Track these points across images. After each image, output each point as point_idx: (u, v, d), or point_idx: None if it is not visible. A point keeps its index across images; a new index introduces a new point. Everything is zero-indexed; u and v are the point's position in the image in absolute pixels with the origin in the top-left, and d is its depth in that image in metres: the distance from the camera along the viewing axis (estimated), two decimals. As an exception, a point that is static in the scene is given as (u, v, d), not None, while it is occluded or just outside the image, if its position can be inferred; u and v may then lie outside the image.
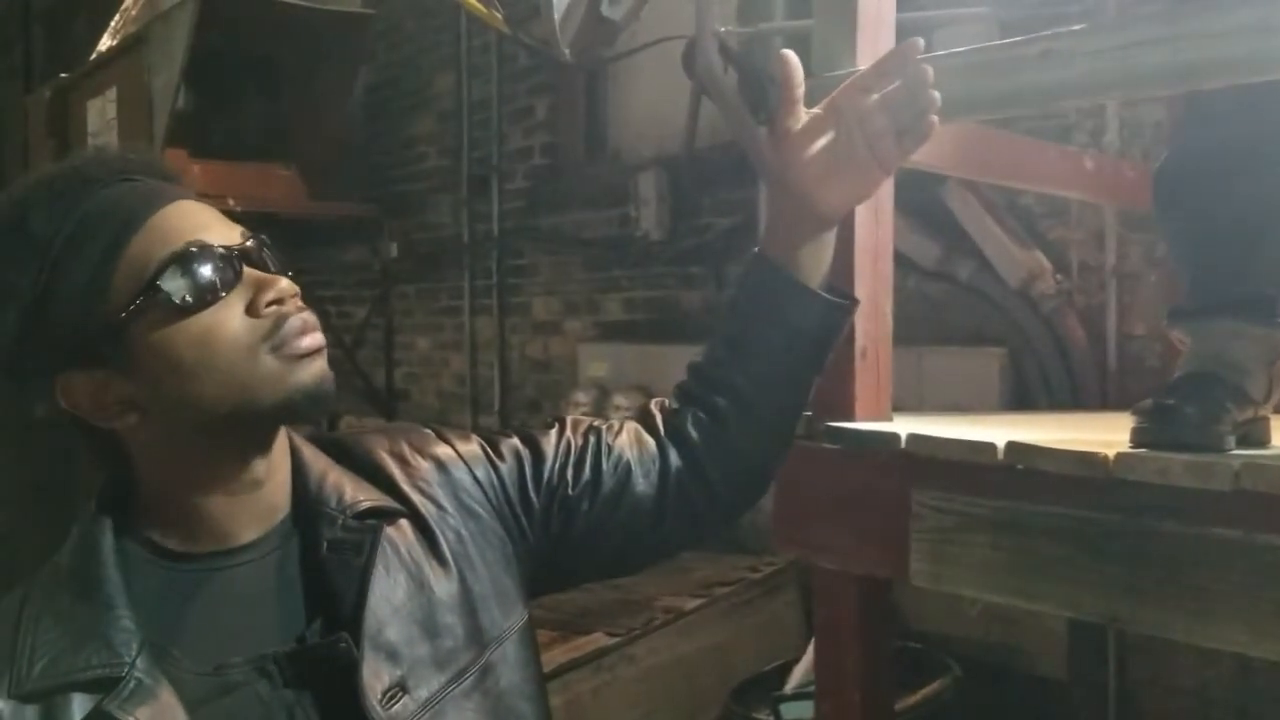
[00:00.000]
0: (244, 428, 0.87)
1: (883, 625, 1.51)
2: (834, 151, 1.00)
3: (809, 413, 1.46)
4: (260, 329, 0.85)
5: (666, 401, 1.12)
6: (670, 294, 3.54)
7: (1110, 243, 2.43)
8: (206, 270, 0.83)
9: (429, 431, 1.05)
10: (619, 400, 3.35)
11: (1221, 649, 1.14)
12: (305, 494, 0.93)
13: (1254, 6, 1.06)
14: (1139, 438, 1.16)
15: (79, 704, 0.81)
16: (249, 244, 0.87)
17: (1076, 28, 1.21)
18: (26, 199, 0.86)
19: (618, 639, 2.54)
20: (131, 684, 0.81)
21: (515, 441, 1.06)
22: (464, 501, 1.00)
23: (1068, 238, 2.51)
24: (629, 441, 1.07)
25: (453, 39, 4.39)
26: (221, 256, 0.84)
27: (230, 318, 0.84)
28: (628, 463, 1.06)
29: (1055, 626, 2.38)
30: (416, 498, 0.97)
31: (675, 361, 3.68)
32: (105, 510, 0.90)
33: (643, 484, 1.05)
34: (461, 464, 1.02)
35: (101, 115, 4.43)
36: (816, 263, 1.06)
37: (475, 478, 1.02)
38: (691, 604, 2.71)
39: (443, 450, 1.03)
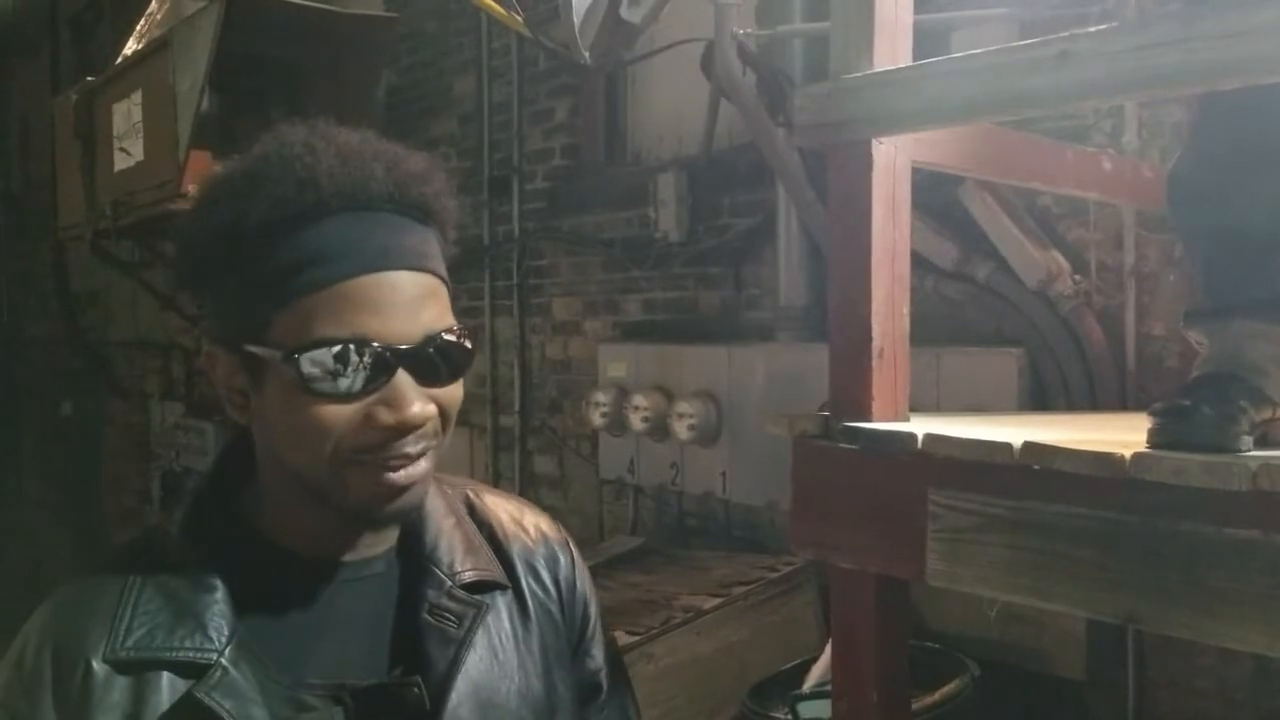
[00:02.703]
0: (321, 500, 0.86)
1: (900, 625, 1.51)
2: None
3: (826, 413, 1.47)
4: (360, 442, 0.83)
5: None
6: (689, 295, 3.55)
7: (1129, 243, 2.42)
8: (349, 371, 0.81)
9: (556, 522, 1.05)
10: (638, 400, 3.36)
11: (1239, 649, 1.14)
12: (419, 543, 0.93)
13: (1271, 7, 1.06)
14: (1155, 438, 1.17)
15: (168, 683, 0.81)
16: (416, 349, 0.83)
17: (1094, 29, 1.21)
18: (264, 180, 0.83)
19: (636, 638, 2.55)
20: (219, 672, 0.82)
21: (587, 626, 1.04)
22: (564, 596, 1.00)
23: (1086, 238, 2.51)
24: None
25: (474, 42, 4.41)
26: (374, 362, 0.81)
27: (347, 416, 0.82)
28: None
29: (1074, 627, 2.37)
30: (523, 571, 0.97)
31: (694, 362, 3.68)
32: (217, 483, 0.90)
33: None
34: (574, 567, 1.02)
35: (127, 118, 4.47)
36: None
37: (575, 589, 1.01)
38: (710, 603, 2.71)
39: (559, 539, 1.02)
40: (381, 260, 0.83)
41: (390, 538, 0.93)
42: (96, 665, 0.81)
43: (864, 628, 1.47)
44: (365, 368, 0.81)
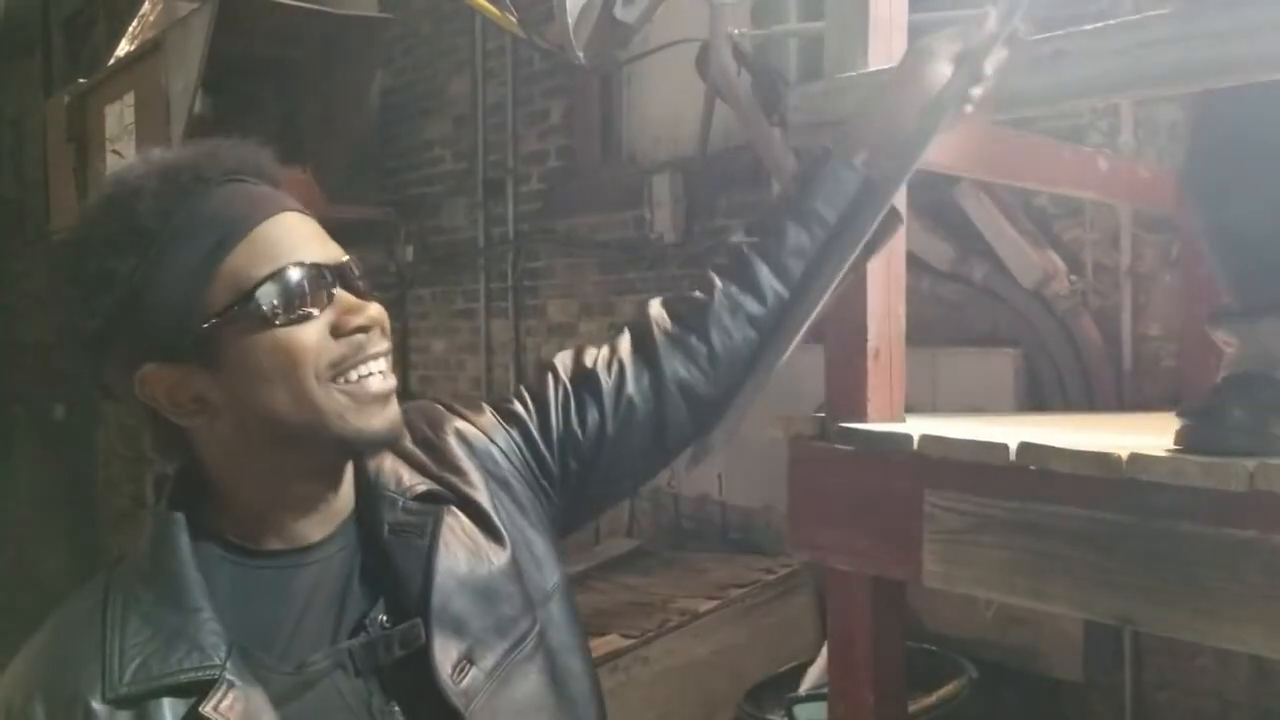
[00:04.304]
0: (313, 448, 0.88)
1: (896, 626, 1.51)
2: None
3: (822, 414, 1.46)
4: (336, 352, 0.86)
5: (670, 301, 1.13)
6: (685, 296, 3.54)
7: (1125, 243, 2.42)
8: (302, 289, 0.85)
9: (440, 408, 1.07)
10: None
11: (1236, 650, 1.13)
12: (366, 483, 0.95)
13: (1267, 5, 1.06)
14: (1185, 441, 1.14)
15: (170, 708, 0.81)
16: (345, 264, 0.89)
17: (1089, 27, 1.21)
18: (138, 186, 0.87)
19: (632, 641, 2.55)
20: (224, 686, 0.81)
21: (519, 406, 1.08)
22: (491, 471, 1.02)
23: (1082, 238, 2.50)
24: (625, 372, 1.08)
25: (468, 43, 4.40)
26: (318, 277, 0.86)
27: (315, 334, 0.86)
28: (628, 398, 1.07)
29: (1071, 628, 2.37)
30: (453, 478, 1.00)
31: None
32: (177, 506, 0.90)
33: (643, 411, 1.07)
34: (482, 436, 1.04)
35: (120, 120, 4.47)
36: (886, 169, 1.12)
37: (498, 446, 1.04)
38: (706, 606, 2.71)
39: (461, 425, 1.05)
40: (278, 206, 0.89)
41: (346, 506, 0.94)
42: (97, 706, 0.80)
43: (860, 630, 1.46)
44: (311, 285, 0.86)
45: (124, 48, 4.74)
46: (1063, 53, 1.19)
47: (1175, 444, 1.15)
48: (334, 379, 0.86)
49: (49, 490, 7.46)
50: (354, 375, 0.87)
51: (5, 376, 7.88)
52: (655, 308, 1.12)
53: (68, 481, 7.29)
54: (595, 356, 1.10)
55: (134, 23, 4.81)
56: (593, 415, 1.06)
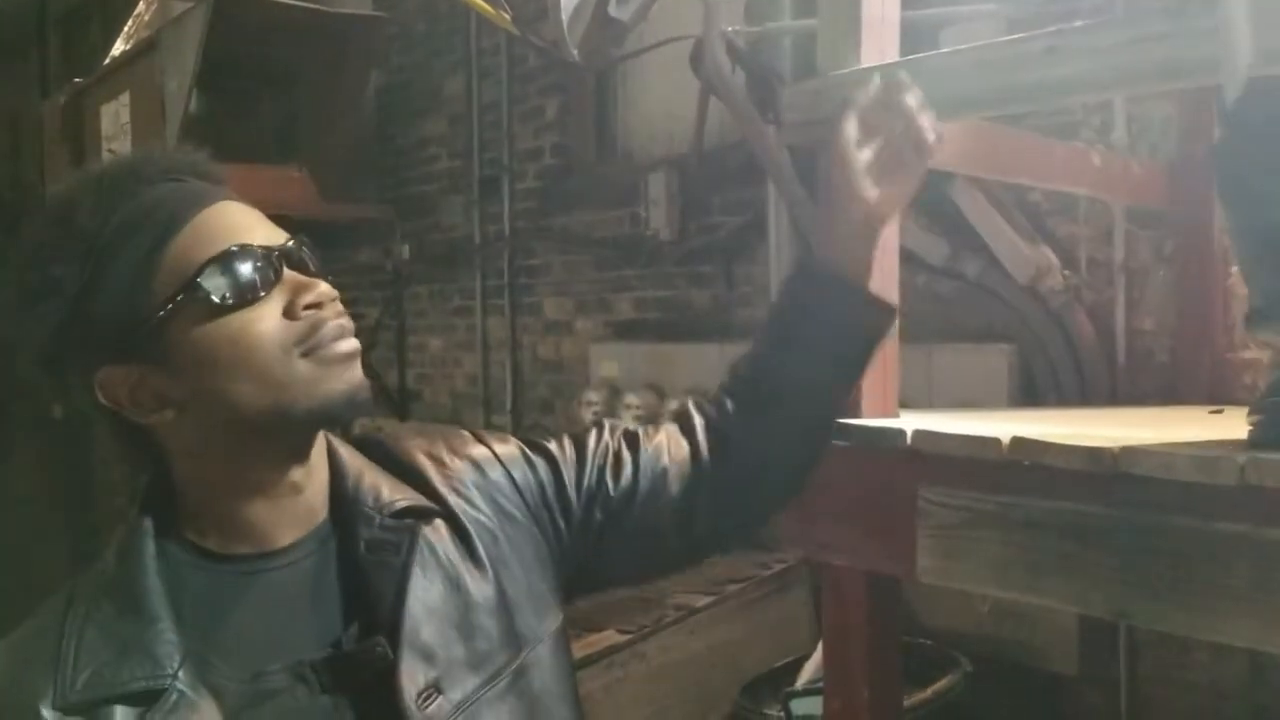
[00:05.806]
0: (280, 430, 0.87)
1: (891, 621, 1.51)
2: (882, 159, 1.09)
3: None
4: (296, 331, 0.86)
5: (704, 402, 1.16)
6: (680, 293, 3.55)
7: (1118, 238, 2.42)
8: (246, 270, 0.84)
9: (466, 433, 1.07)
10: (630, 399, 3.36)
11: (1230, 644, 1.13)
12: (343, 494, 0.94)
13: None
14: (1259, 436, 1.14)
15: (121, 716, 0.81)
16: (291, 245, 0.88)
17: (1080, 24, 1.21)
18: (74, 194, 0.87)
19: (629, 636, 2.55)
20: (174, 696, 0.81)
21: (554, 445, 1.08)
22: (500, 503, 1.01)
23: (1076, 234, 2.51)
24: (665, 446, 1.10)
25: (463, 41, 4.40)
26: (262, 257, 0.86)
27: (267, 317, 0.85)
28: (664, 468, 1.08)
29: (1066, 622, 2.37)
30: (452, 499, 0.98)
31: (686, 360, 3.66)
32: (147, 513, 0.89)
33: (676, 488, 1.08)
34: (498, 465, 1.03)
35: (115, 119, 4.46)
36: (864, 269, 1.12)
37: (512, 479, 1.03)
38: (703, 601, 2.71)
39: (479, 451, 1.04)
40: (217, 196, 0.89)
41: (318, 509, 0.93)
42: (47, 713, 0.80)
43: (856, 625, 1.47)
44: (256, 266, 0.85)
45: (119, 47, 4.73)
46: (1054, 49, 1.20)
47: (1248, 442, 1.14)
48: (302, 356, 0.86)
49: (47, 489, 7.45)
50: (315, 343, 0.87)
51: (3, 375, 7.87)
52: (695, 400, 1.17)
53: (66, 481, 7.28)
54: (642, 428, 1.12)
55: (129, 22, 4.80)
56: (627, 476, 1.07)
